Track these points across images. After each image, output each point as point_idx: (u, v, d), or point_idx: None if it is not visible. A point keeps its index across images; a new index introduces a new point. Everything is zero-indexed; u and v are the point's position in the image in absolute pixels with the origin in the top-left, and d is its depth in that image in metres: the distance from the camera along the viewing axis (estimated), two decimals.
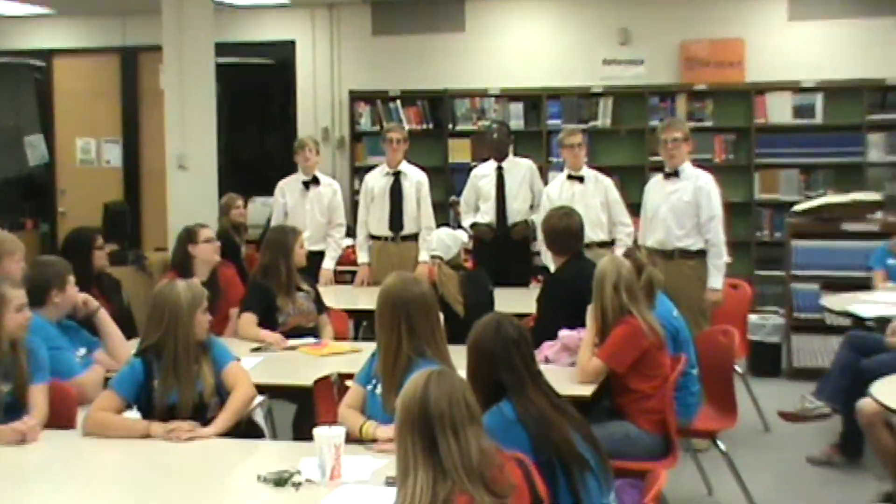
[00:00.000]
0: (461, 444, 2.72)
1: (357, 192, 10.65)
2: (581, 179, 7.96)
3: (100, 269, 6.23)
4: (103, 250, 6.31)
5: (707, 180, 7.17)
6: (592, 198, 7.85)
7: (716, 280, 7.01)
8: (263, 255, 6.30)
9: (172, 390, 4.27)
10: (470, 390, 2.86)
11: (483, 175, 8.48)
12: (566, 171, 8.04)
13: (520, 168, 8.49)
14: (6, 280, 4.60)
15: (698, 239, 7.09)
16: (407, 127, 10.87)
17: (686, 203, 7.09)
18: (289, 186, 8.41)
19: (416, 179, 8.29)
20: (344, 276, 9.12)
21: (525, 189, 8.41)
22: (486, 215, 8.36)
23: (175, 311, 4.30)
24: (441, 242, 6.38)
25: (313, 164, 8.40)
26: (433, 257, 6.40)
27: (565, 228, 5.95)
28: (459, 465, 2.70)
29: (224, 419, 4.21)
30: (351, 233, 8.88)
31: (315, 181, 8.38)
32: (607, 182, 8.03)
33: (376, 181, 8.32)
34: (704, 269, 7.04)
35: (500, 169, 8.40)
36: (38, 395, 4.30)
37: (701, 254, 7.07)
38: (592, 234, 7.40)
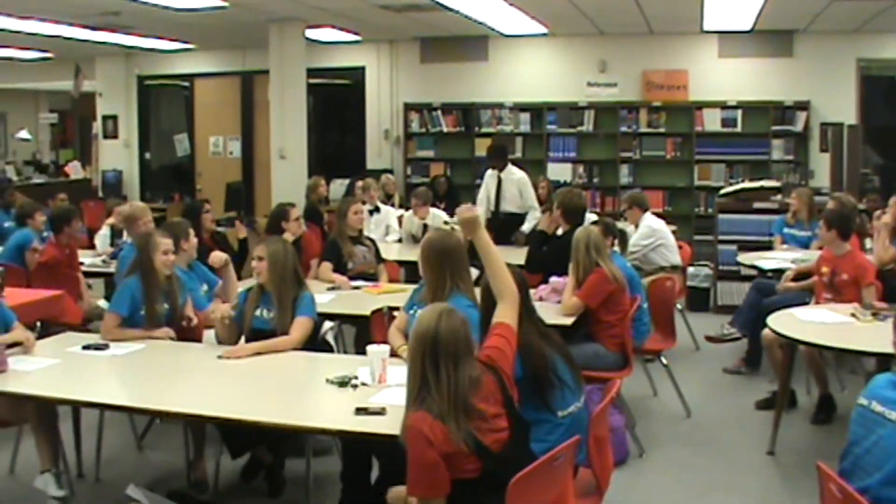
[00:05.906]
0: (458, 372, 2.54)
1: (409, 177, 11.20)
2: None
3: (209, 229, 6.18)
4: (210, 213, 6.25)
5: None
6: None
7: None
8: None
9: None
10: (469, 328, 2.64)
11: (489, 177, 7.96)
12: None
13: (513, 176, 7.84)
14: (158, 231, 4.55)
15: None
16: (444, 130, 11.14)
17: None
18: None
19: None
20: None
21: (516, 192, 7.82)
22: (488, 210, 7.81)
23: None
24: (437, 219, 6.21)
25: (375, 198, 8.19)
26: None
27: (581, 206, 5.76)
28: (451, 391, 2.51)
29: (263, 346, 3.98)
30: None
31: (377, 209, 8.12)
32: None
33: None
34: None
35: (499, 178, 7.85)
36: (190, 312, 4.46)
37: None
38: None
